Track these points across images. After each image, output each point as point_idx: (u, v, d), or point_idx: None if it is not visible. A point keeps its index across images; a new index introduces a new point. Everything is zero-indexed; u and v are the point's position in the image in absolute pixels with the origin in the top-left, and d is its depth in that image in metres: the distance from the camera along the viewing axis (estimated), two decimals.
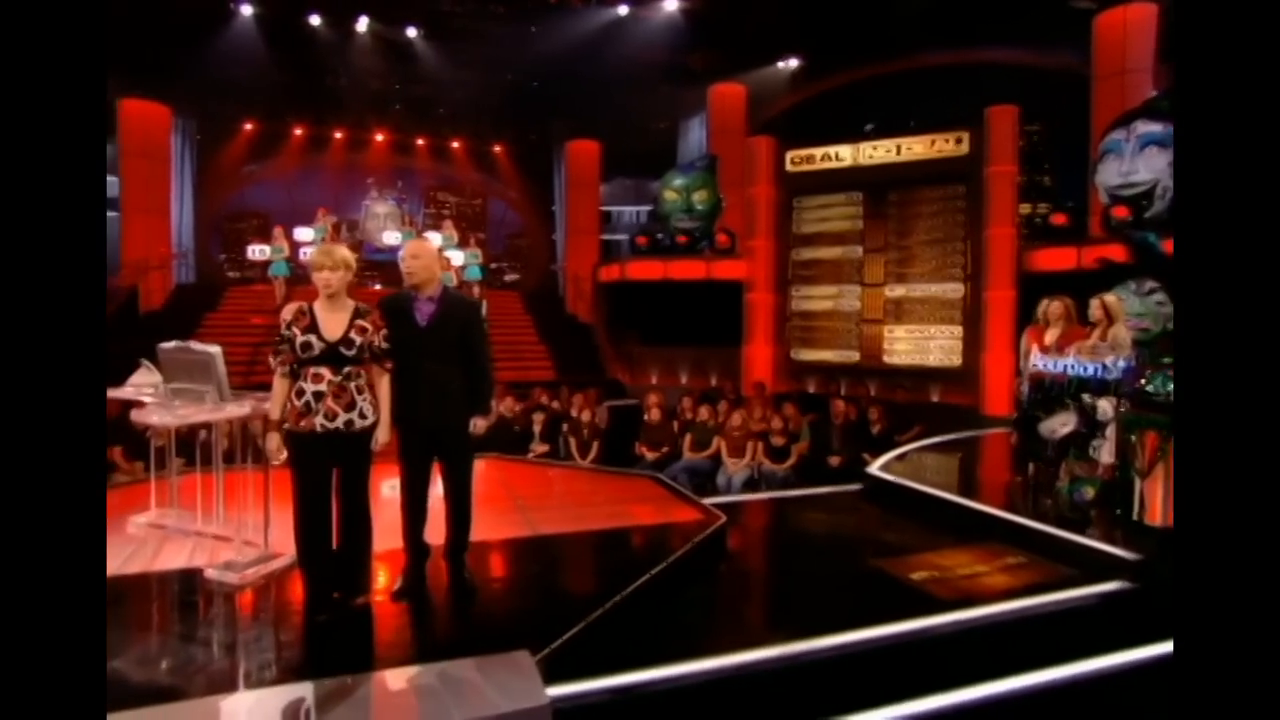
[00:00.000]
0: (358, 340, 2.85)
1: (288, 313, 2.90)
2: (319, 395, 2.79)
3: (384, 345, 2.93)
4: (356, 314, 2.91)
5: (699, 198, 11.25)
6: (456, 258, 11.84)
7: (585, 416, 6.98)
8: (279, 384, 2.82)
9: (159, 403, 3.11)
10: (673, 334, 11.13)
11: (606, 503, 4.69)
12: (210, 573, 3.11)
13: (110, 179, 14.96)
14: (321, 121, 16.42)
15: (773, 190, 10.70)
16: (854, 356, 10.17)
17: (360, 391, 2.86)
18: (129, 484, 4.89)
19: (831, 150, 10.37)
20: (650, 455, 6.78)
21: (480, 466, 5.71)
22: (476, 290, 10.58)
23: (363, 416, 2.87)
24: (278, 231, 11.58)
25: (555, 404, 8.17)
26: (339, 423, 2.81)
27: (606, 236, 17.80)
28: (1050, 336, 4.78)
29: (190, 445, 4.03)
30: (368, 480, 2.92)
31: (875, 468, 5.34)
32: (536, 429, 7.00)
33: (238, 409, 3.11)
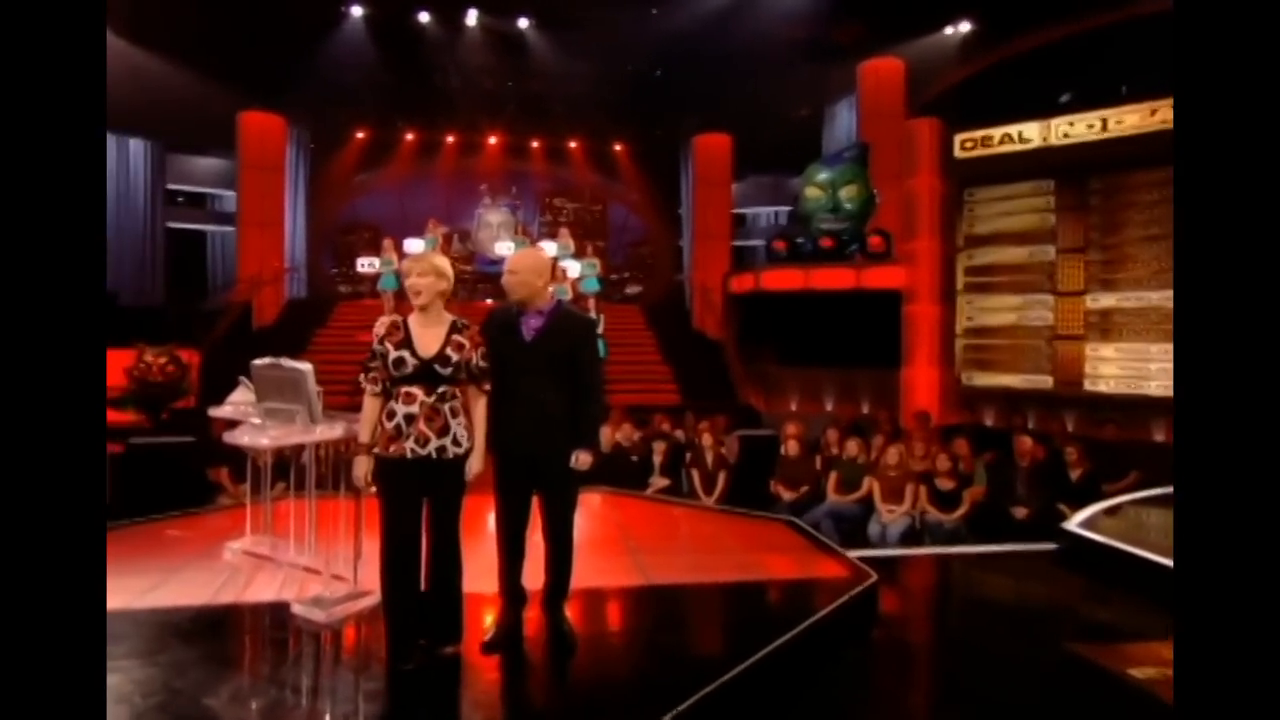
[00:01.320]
0: (454, 357, 2.91)
1: (380, 326, 3.01)
2: (410, 418, 2.87)
3: (482, 364, 2.98)
4: (454, 329, 2.98)
5: (847, 194, 10.91)
6: (572, 268, 12.18)
7: (712, 447, 6.90)
8: (369, 404, 2.93)
9: (250, 423, 3.33)
10: (815, 353, 10.81)
11: (734, 550, 4.60)
12: (297, 609, 3.27)
13: (228, 193, 16.99)
14: (433, 126, 17.60)
15: (938, 181, 10.15)
16: (1045, 382, 9.37)
17: (455, 415, 2.92)
18: (232, 507, 5.33)
19: (1014, 129, 9.68)
20: (787, 496, 6.58)
21: (590, 501, 5.79)
22: (593, 304, 10.78)
23: (456, 443, 2.92)
24: (387, 243, 12.42)
25: (678, 432, 8.15)
26: (430, 449, 2.88)
27: (739, 242, 17.72)
28: None
29: (288, 469, 4.32)
30: (459, 514, 2.96)
31: (1075, 524, 4.94)
32: (656, 460, 6.99)
33: (329, 431, 3.27)
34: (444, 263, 3.00)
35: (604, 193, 20.83)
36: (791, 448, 6.86)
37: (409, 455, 2.86)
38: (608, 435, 6.96)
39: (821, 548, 4.57)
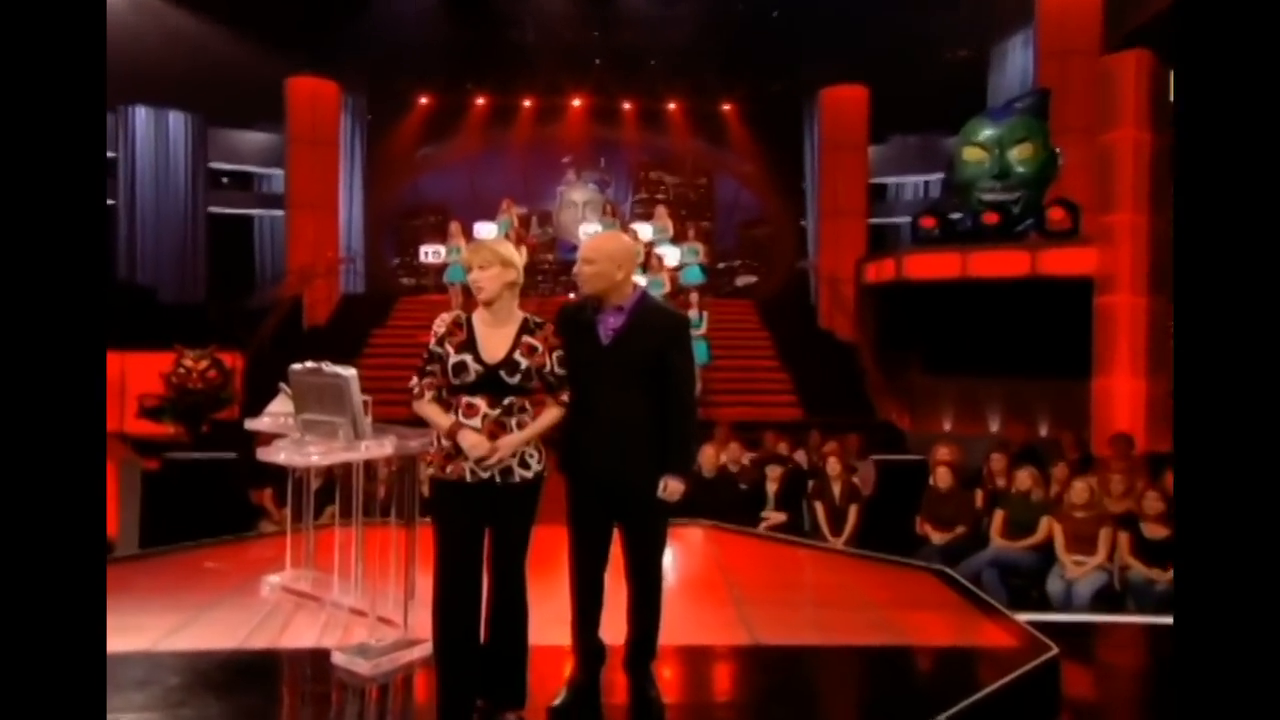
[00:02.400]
0: (524, 363, 2.94)
1: (440, 324, 3.08)
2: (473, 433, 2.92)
3: (559, 370, 3.01)
4: (525, 328, 3.01)
5: (1019, 154, 10.46)
6: (670, 255, 12.23)
7: (841, 475, 6.80)
8: (431, 407, 3.00)
9: (288, 438, 3.47)
10: (976, 359, 10.42)
11: (868, 605, 4.52)
12: (339, 658, 3.38)
13: (275, 172, 17.97)
14: (507, 89, 18.06)
15: (1145, 135, 9.55)
16: None
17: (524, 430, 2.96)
18: (275, 535, 5.59)
19: None
20: (938, 538, 6.37)
21: (686, 537, 5.79)
22: (695, 298, 10.77)
23: (524, 465, 2.95)
24: (455, 228, 12.83)
25: (799, 455, 8.05)
26: (494, 471, 2.91)
27: (877, 220, 17.35)
28: None
29: (335, 491, 4.48)
30: (526, 550, 2.99)
31: None
32: (770, 489, 6.94)
33: (377, 448, 3.36)
34: (508, 250, 3.03)
35: (710, 163, 20.88)
36: (943, 477, 6.63)
37: (468, 478, 2.91)
38: (710, 457, 6.93)
39: (982, 607, 4.44)
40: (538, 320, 3.06)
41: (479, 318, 3.03)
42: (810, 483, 7.00)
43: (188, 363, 10.08)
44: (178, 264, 17.18)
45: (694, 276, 12.22)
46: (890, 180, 19.33)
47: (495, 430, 2.92)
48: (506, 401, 2.94)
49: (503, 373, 2.93)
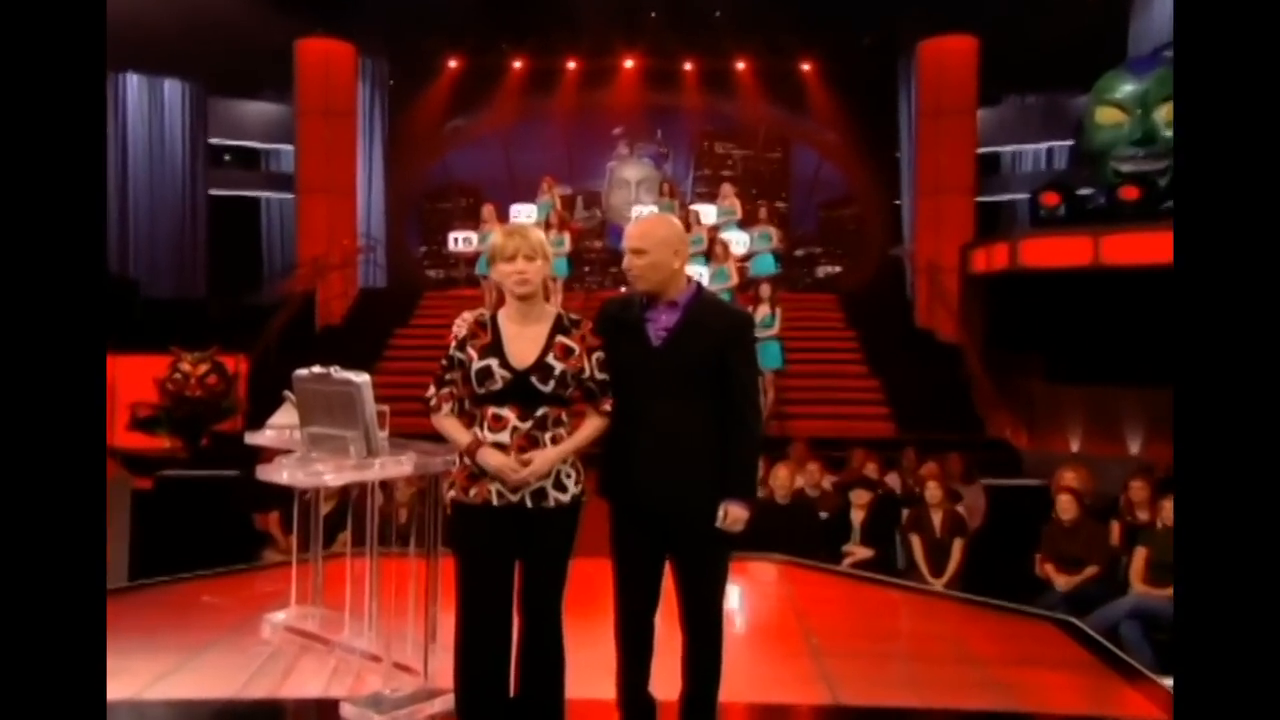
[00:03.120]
0: (558, 367, 2.98)
1: (460, 325, 3.13)
2: (499, 450, 2.95)
3: (600, 375, 3.04)
4: (559, 327, 3.05)
5: (1167, 115, 10.22)
6: (738, 241, 12.20)
7: (942, 503, 6.73)
8: (449, 421, 3.05)
9: (292, 455, 3.53)
10: (1109, 364, 10.24)
11: (976, 661, 4.46)
12: (348, 710, 3.42)
13: (284, 148, 18.35)
14: (548, 49, 18.24)
15: None
16: None
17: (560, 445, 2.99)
18: (281, 565, 5.70)
19: None
20: (1063, 581, 6.24)
21: (753, 574, 5.79)
22: (767, 292, 10.73)
23: (560, 487, 2.98)
24: (488, 212, 12.98)
25: (891, 479, 7.97)
26: (524, 494, 2.95)
27: (987, 198, 17.07)
28: None
29: (347, 515, 4.56)
30: (562, 587, 3.01)
31: None
32: (856, 519, 6.89)
33: (393, 466, 3.40)
34: (543, 239, 3.08)
35: (785, 133, 20.79)
36: (1068, 507, 6.49)
37: (495, 502, 2.95)
38: (784, 480, 6.89)
39: (1119, 668, 4.34)
40: (573, 317, 3.09)
41: (506, 316, 3.07)
42: (905, 512, 6.94)
43: (185, 367, 10.30)
44: (174, 253, 17.57)
45: (766, 267, 12.18)
46: (1004, 149, 18.97)
47: (526, 446, 2.95)
48: (539, 413, 2.97)
49: (534, 379, 2.96)
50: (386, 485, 3.71)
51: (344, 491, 4.52)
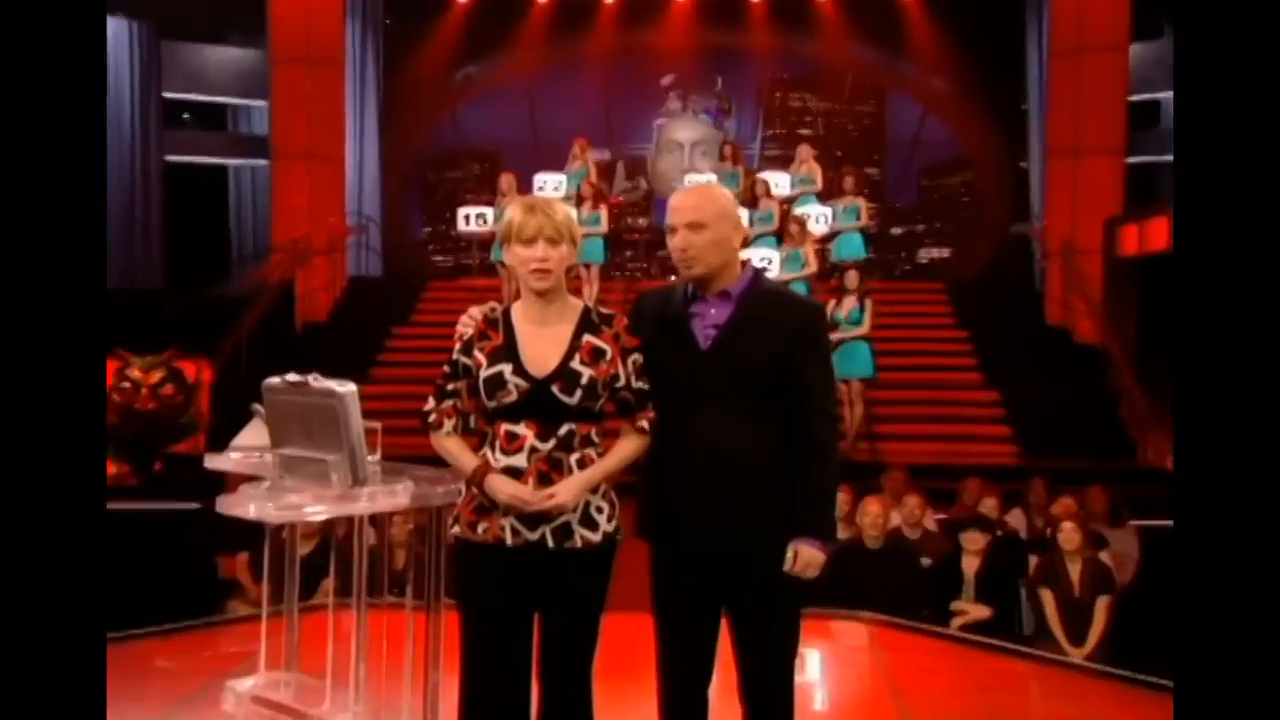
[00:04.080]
0: (586, 374, 2.97)
1: (466, 323, 3.15)
2: (513, 477, 2.96)
3: (638, 383, 3.04)
4: (586, 324, 3.05)
5: None
6: (819, 217, 12.17)
7: (1081, 549, 6.65)
8: (452, 442, 3.09)
9: (261, 484, 3.56)
10: None
11: None
12: None
13: (256, 105, 18.51)
14: None
15: None
16: None
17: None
18: (251, 619, 5.76)
19: None
20: None
21: (838, 636, 5.80)
22: (853, 280, 10.69)
23: (589, 523, 2.98)
24: (506, 183, 13.06)
25: (1014, 517, 7.93)
26: (545, 532, 2.96)
27: (1141, 158, 16.75)
28: None
29: (329, 559, 4.60)
30: (592, 647, 3.01)
31: None
32: (969, 568, 6.83)
33: (386, 497, 3.43)
34: (570, 214, 3.09)
35: (879, 80, 20.67)
36: None
37: (508, 541, 2.96)
38: (875, 517, 6.85)
39: None
40: (604, 312, 3.09)
41: (521, 312, 3.08)
42: (1033, 559, 6.88)
43: (135, 374, 10.37)
44: (123, 234, 17.58)
45: (853, 249, 12.16)
46: (1163, 96, 18.57)
47: (547, 471, 2.96)
48: (563, 430, 2.98)
49: (556, 389, 2.96)
50: (378, 521, 3.72)
51: (326, 529, 4.56)
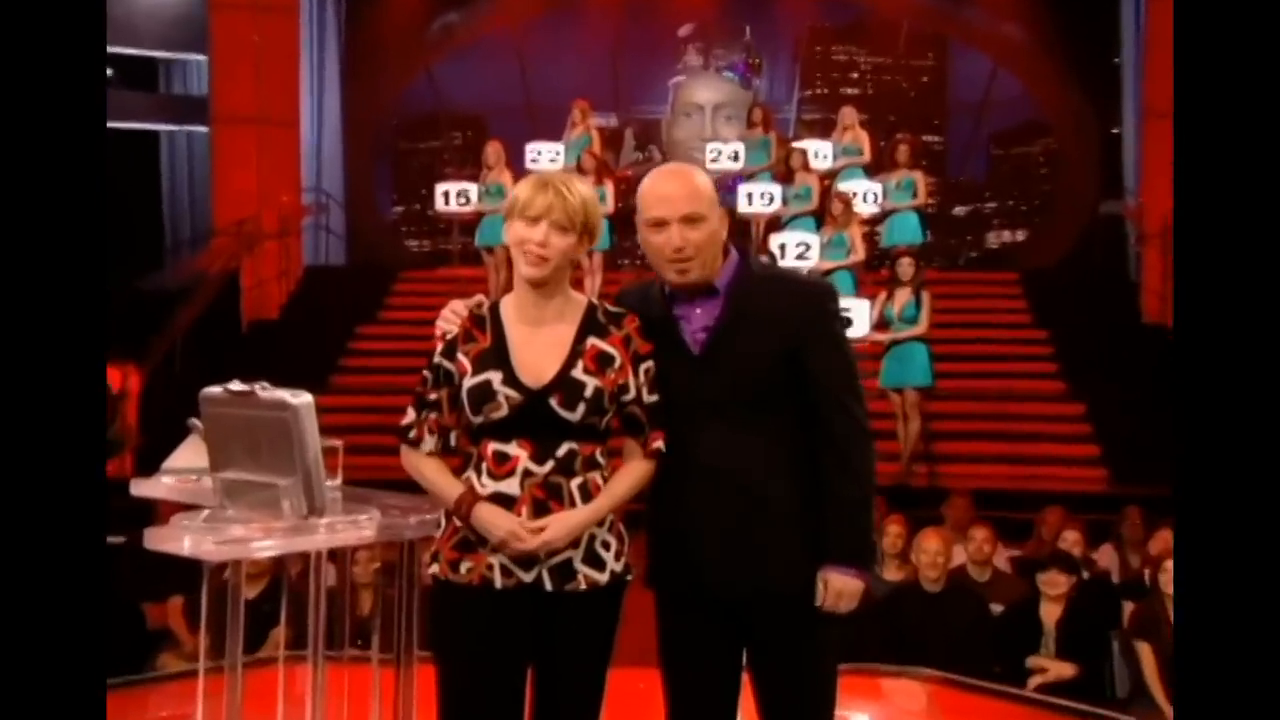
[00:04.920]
0: (591, 384, 2.98)
1: (448, 321, 3.17)
2: (503, 505, 2.98)
3: (650, 398, 3.05)
4: (590, 324, 3.06)
5: None
6: (868, 194, 12.15)
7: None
8: (431, 464, 3.11)
9: (199, 514, 3.56)
10: None
11: None
12: None
13: (194, 59, 18.53)
14: None
15: None
16: None
17: (592, 500, 3.00)
18: (185, 675, 5.78)
19: None
20: None
21: (891, 695, 5.84)
22: (908, 268, 10.66)
23: (594, 561, 2.99)
24: (493, 152, 13.11)
25: (1103, 555, 7.95)
26: (542, 572, 2.96)
27: None
28: None
29: (280, 604, 4.62)
30: (596, 707, 3.03)
31: None
32: (1049, 617, 6.79)
33: (350, 530, 3.43)
34: (591, 198, 3.08)
35: (940, 27, 20.64)
36: None
37: (498, 583, 2.97)
38: (935, 554, 6.83)
39: None
40: (613, 309, 3.10)
41: (513, 309, 3.09)
42: (1127, 607, 6.86)
43: None
44: None
45: (908, 232, 12.16)
46: None
47: (544, 499, 2.96)
48: (563, 450, 2.98)
49: (555, 402, 2.97)
50: (339, 558, 3.73)
51: (276, 568, 4.57)
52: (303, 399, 3.26)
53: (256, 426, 3.33)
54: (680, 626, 3.14)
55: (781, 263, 9.42)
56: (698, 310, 3.14)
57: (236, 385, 3.41)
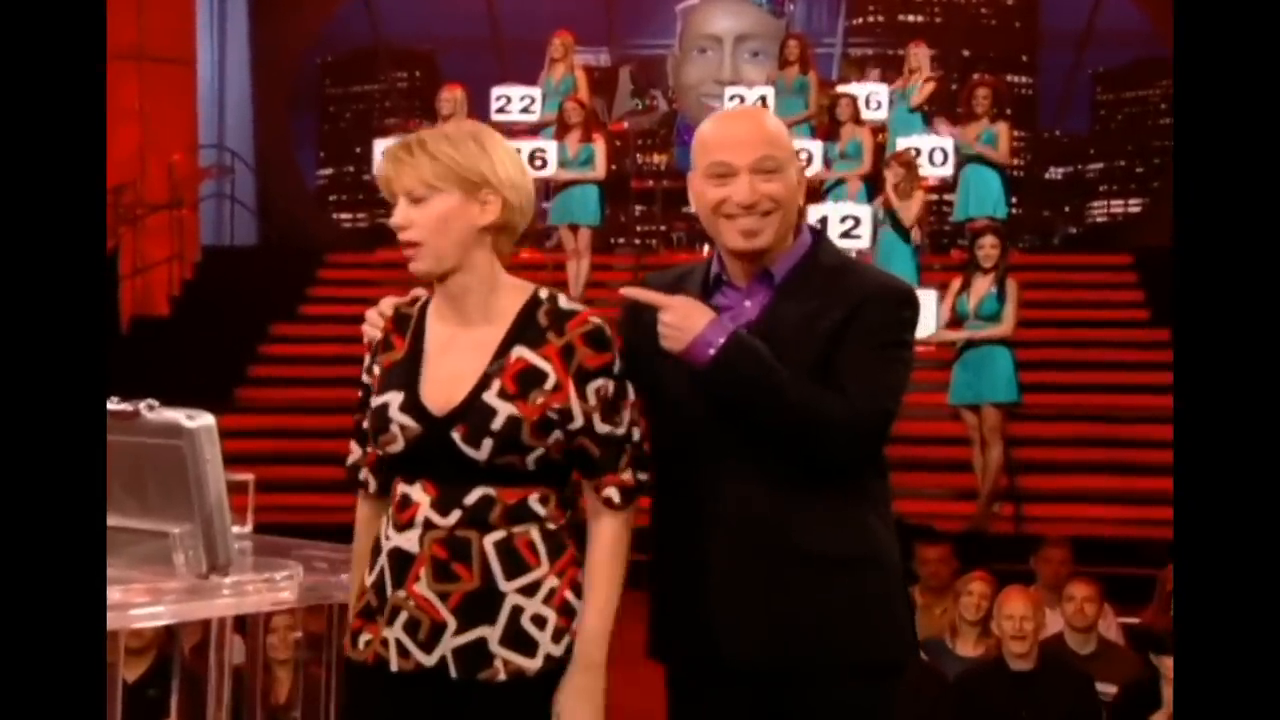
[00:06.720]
0: (505, 411, 2.89)
1: (375, 320, 3.22)
2: (401, 565, 3.00)
3: (609, 427, 2.97)
4: (525, 326, 2.98)
5: None
6: (935, 152, 12.21)
7: None
8: (361, 509, 3.19)
9: None
10: None
11: None
12: None
13: None
14: None
15: None
16: None
17: (519, 562, 2.92)
18: None
19: None
20: None
21: None
22: (990, 248, 10.65)
23: (520, 642, 2.91)
24: (449, 100, 13.16)
25: None
26: (443, 652, 2.92)
27: None
28: None
29: (170, 684, 4.65)
30: None
31: None
32: (1169, 690, 6.80)
33: (261, 592, 3.44)
34: (472, 131, 3.05)
35: None
36: None
37: (392, 666, 2.96)
38: (1021, 619, 6.84)
39: None
40: (564, 307, 3.01)
41: (435, 308, 3.10)
42: None
43: None
44: None
45: (988, 201, 12.20)
46: None
47: (445, 560, 2.92)
48: (473, 498, 2.93)
49: (457, 435, 2.91)
50: (248, 628, 3.73)
51: (165, 642, 4.57)
52: (201, 421, 3.25)
53: (141, 457, 3.32)
54: (694, 707, 3.18)
55: None
56: (746, 303, 3.15)
57: (115, 404, 3.41)
